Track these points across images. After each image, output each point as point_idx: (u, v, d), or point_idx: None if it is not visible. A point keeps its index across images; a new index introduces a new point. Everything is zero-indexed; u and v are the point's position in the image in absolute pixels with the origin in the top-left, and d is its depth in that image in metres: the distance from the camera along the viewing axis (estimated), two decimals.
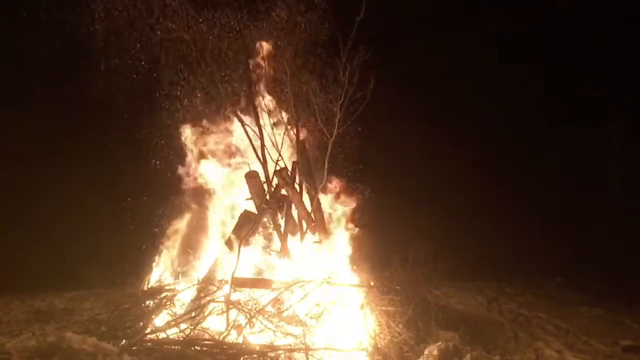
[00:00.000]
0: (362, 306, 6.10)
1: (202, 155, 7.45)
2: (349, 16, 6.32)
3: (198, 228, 7.46)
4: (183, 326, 5.82)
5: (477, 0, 10.11)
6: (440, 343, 5.59)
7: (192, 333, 5.74)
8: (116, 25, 6.71)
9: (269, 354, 5.44)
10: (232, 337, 5.66)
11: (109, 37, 6.89)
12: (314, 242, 6.70)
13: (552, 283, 9.09)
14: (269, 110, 7.04)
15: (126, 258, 7.97)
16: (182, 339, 5.63)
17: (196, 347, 5.42)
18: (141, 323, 6.13)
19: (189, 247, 7.42)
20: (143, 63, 7.03)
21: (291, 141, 7.00)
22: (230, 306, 5.88)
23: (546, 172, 10.55)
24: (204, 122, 7.39)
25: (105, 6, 6.60)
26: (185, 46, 6.81)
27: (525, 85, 10.19)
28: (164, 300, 6.43)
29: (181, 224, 7.59)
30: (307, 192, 6.91)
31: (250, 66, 7.02)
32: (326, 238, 6.73)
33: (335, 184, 7.10)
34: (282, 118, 6.97)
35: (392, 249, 7.29)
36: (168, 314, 6.28)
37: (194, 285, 6.57)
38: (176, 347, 5.44)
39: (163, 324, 5.97)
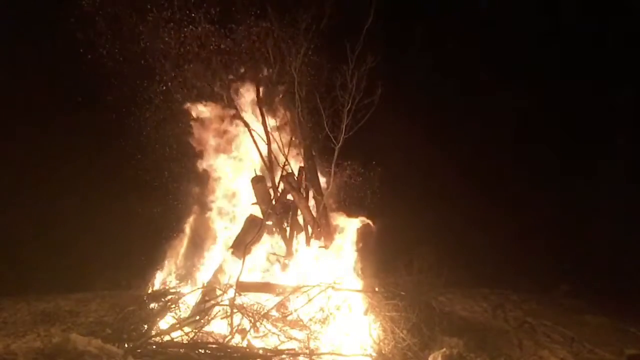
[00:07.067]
0: (366, 311, 6.11)
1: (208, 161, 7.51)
2: (357, 23, 6.35)
3: (203, 232, 7.48)
4: (187, 329, 5.83)
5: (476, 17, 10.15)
6: (444, 349, 5.57)
7: (196, 336, 5.76)
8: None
9: (273, 358, 5.44)
10: (236, 341, 5.67)
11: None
12: (319, 247, 6.71)
13: (558, 291, 9.03)
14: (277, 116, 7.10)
15: (131, 261, 8.00)
16: (186, 342, 5.65)
17: (200, 351, 5.43)
18: (146, 326, 6.15)
19: (194, 250, 7.44)
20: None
21: (298, 147, 7.03)
22: (235, 310, 5.89)
23: (554, 179, 10.52)
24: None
25: None
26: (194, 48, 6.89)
27: (530, 90, 10.19)
28: (169, 303, 6.45)
29: (186, 227, 7.61)
30: (313, 198, 6.93)
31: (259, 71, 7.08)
32: (331, 243, 6.73)
33: (341, 190, 7.11)
34: (290, 123, 7.01)
35: (397, 255, 7.29)
36: (173, 317, 6.30)
37: (198, 288, 6.59)
38: (180, 350, 5.44)
39: (167, 327, 5.99)
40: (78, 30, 6.80)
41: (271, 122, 7.09)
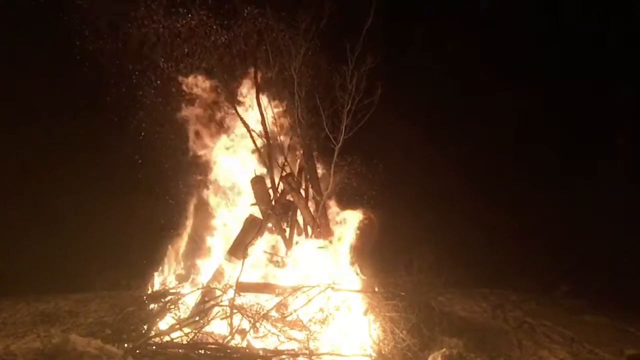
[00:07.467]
0: (366, 312, 6.10)
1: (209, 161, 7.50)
2: (357, 24, 6.35)
3: (204, 231, 7.48)
4: (187, 330, 5.83)
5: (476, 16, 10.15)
6: (444, 350, 5.57)
7: (196, 337, 5.76)
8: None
9: (273, 358, 5.44)
10: (236, 342, 5.67)
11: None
12: (319, 247, 6.70)
13: (558, 291, 9.03)
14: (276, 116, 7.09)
15: (131, 260, 8.00)
16: (186, 342, 5.65)
17: (200, 351, 5.44)
18: (145, 326, 6.15)
19: (194, 250, 7.44)
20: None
21: (298, 147, 7.02)
22: (235, 310, 5.89)
23: (554, 179, 10.51)
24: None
25: None
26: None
27: (530, 90, 10.19)
28: (169, 304, 6.45)
29: (186, 227, 7.61)
30: (313, 198, 6.92)
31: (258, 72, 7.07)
32: (331, 243, 6.73)
33: (340, 190, 7.11)
34: (289, 124, 7.00)
35: (397, 255, 7.29)
36: (172, 317, 6.30)
37: (198, 289, 6.58)
38: (180, 350, 5.45)
39: (167, 328, 5.99)
40: (77, 30, 6.82)
41: (270, 120, 7.07)
